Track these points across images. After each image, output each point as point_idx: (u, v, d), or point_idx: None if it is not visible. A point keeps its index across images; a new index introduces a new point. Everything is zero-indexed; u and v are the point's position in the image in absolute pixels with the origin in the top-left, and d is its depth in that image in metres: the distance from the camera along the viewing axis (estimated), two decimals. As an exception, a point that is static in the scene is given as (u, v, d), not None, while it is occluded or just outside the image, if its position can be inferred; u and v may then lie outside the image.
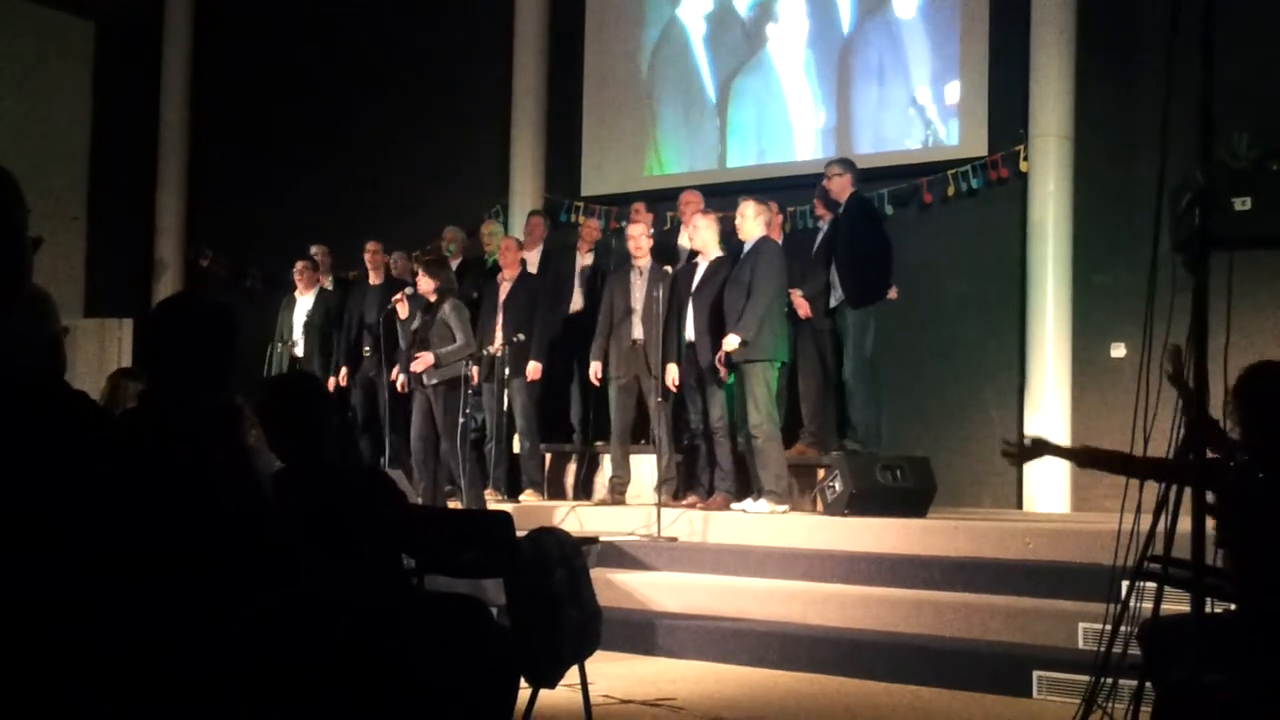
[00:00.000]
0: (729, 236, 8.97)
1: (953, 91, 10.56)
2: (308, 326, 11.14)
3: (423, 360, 9.05)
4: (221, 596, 2.70)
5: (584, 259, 10.52)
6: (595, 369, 9.33)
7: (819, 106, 11.21)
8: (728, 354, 8.36)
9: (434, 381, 9.06)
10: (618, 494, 9.32)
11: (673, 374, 8.85)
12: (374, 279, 11.04)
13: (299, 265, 11.41)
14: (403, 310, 9.69)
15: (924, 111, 10.73)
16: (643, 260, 9.19)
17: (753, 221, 8.60)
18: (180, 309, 3.15)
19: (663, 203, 11.12)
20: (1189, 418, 3.78)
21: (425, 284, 9.20)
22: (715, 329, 8.58)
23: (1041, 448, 4.59)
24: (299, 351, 11.14)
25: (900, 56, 10.84)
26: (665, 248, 9.81)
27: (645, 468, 9.37)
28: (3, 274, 2.28)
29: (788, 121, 11.36)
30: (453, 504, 9.13)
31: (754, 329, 8.28)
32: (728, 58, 11.74)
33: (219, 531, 2.75)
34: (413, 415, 9.43)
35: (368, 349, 10.76)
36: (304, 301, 11.32)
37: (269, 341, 11.24)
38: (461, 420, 8.97)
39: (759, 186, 10.43)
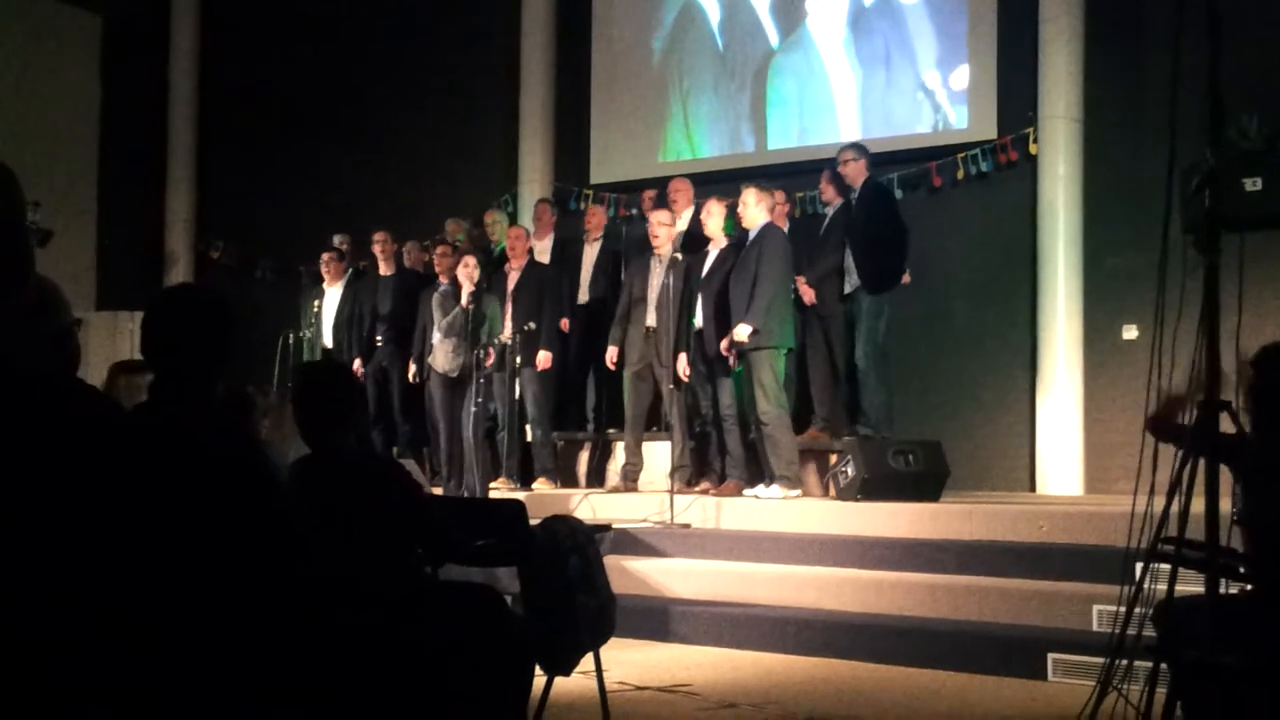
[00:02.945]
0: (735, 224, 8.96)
1: (961, 74, 10.54)
2: (338, 317, 11.11)
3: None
4: (235, 585, 2.71)
5: (592, 247, 10.50)
6: (611, 353, 9.32)
7: (828, 91, 11.18)
8: (736, 343, 8.34)
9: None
10: (630, 481, 9.31)
11: (683, 362, 8.83)
12: (384, 269, 11.00)
13: (325, 256, 11.33)
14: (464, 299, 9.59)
15: (933, 95, 10.70)
16: (663, 248, 9.13)
17: (755, 208, 8.57)
18: (177, 300, 3.17)
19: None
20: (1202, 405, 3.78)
21: (475, 274, 9.22)
22: (722, 317, 8.56)
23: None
24: (328, 343, 11.10)
25: (908, 40, 10.81)
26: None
27: (658, 455, 9.36)
28: (5, 266, 2.28)
29: (799, 107, 11.34)
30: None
31: (763, 317, 8.26)
32: (741, 43, 11.71)
33: (231, 520, 2.76)
34: (451, 406, 9.45)
35: (380, 339, 10.74)
36: (333, 293, 11.27)
37: (282, 332, 11.24)
38: (474, 409, 8.97)
39: (769, 172, 10.42)
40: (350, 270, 11.53)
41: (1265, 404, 4.04)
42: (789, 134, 11.41)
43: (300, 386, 4.47)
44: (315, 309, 11.22)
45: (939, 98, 10.67)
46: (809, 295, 8.99)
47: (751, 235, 8.57)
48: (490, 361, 9.17)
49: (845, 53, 11.12)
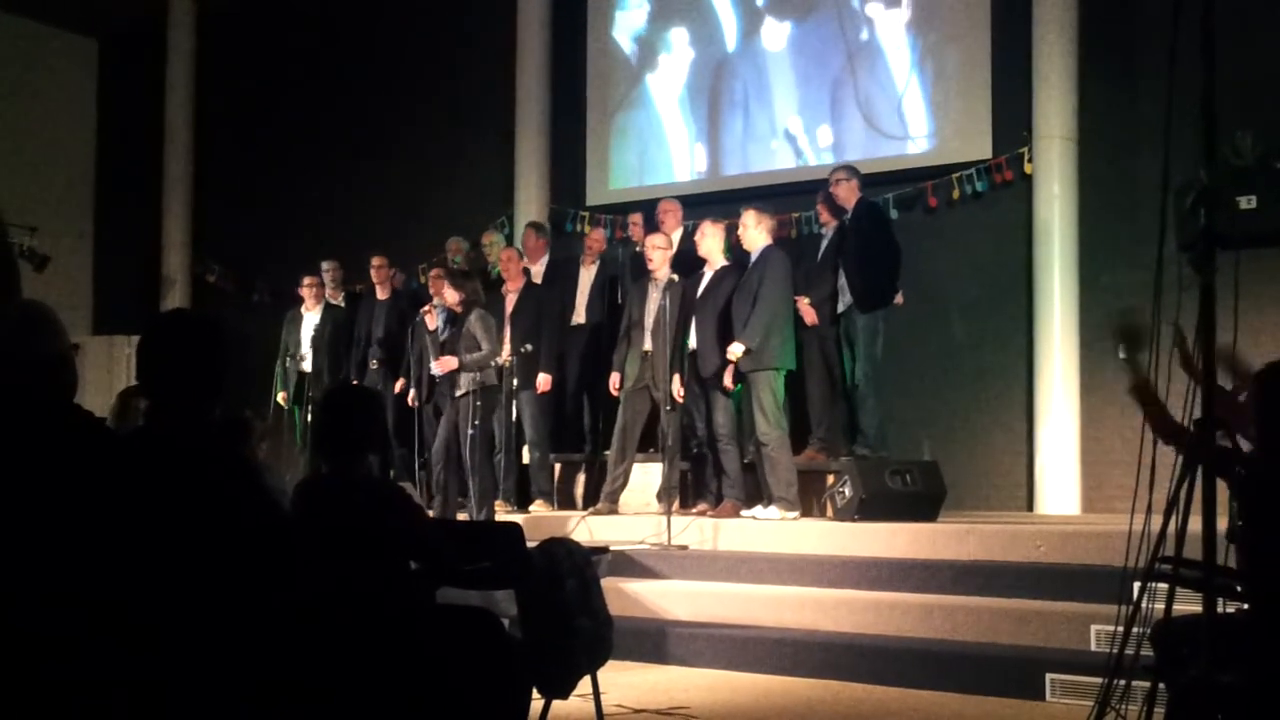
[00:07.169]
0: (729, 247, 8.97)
1: (956, 95, 10.55)
2: (316, 341, 11.11)
3: (444, 364, 9.04)
4: (232, 607, 2.71)
5: (589, 270, 10.47)
6: (614, 379, 9.28)
7: (818, 111, 11.20)
8: (735, 363, 8.33)
9: (460, 392, 9.07)
10: (610, 501, 9.19)
11: (676, 383, 8.79)
12: (380, 293, 11.03)
13: (308, 281, 11.39)
14: (431, 322, 9.64)
15: (927, 115, 10.71)
16: (660, 272, 9.12)
17: (755, 230, 8.59)
18: (171, 325, 3.17)
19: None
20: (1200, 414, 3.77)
21: (451, 296, 9.20)
22: (720, 339, 8.56)
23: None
24: (307, 367, 11.11)
25: (902, 60, 10.83)
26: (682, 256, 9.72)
27: (651, 476, 9.34)
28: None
29: (787, 127, 11.35)
30: (461, 515, 9.12)
31: (759, 338, 8.26)
32: (716, 62, 11.74)
33: (228, 543, 2.76)
34: (440, 427, 9.44)
35: (374, 363, 10.74)
36: (310, 317, 11.30)
37: (277, 357, 11.25)
38: (471, 432, 8.96)
39: (756, 194, 10.40)
40: (343, 294, 11.56)
41: (1268, 422, 4.03)
42: (787, 154, 11.41)
43: (324, 409, 4.52)
44: (298, 333, 11.25)
45: (933, 117, 10.68)
46: (810, 316, 8.98)
47: (753, 257, 8.58)
48: (436, 369, 9.19)
49: (836, 72, 11.13)
